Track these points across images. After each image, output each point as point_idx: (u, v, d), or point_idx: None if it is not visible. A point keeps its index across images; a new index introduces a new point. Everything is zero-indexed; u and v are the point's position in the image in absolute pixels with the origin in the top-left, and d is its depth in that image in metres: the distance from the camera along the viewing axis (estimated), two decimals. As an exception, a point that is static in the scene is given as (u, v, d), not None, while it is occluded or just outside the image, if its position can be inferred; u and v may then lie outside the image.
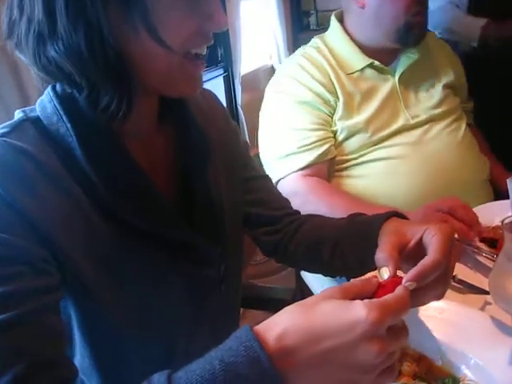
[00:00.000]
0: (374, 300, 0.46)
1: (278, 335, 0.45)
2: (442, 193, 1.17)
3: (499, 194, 1.31)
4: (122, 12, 0.52)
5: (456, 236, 0.86)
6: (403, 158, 1.27)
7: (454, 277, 0.89)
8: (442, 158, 1.29)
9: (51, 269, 0.53)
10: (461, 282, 0.88)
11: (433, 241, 0.59)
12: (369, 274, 0.76)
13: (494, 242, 0.95)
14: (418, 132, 1.30)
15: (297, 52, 1.40)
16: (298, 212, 0.92)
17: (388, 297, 0.47)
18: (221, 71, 2.89)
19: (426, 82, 1.37)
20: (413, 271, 0.55)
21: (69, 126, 0.57)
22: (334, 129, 1.28)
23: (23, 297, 0.49)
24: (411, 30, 1.26)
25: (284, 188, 1.29)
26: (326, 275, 0.87)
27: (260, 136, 1.39)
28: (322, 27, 4.56)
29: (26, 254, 0.51)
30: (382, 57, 1.33)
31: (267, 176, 0.92)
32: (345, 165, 1.31)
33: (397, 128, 1.29)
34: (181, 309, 0.67)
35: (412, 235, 0.64)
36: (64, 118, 0.57)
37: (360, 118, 1.27)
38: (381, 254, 0.61)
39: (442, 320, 0.74)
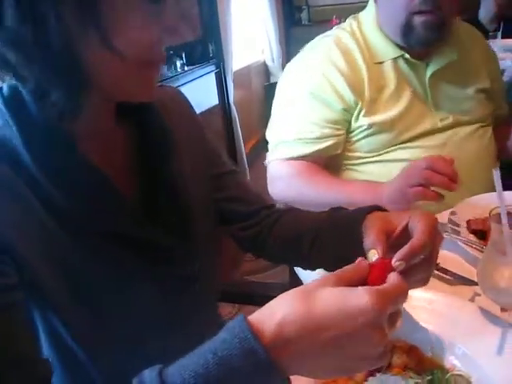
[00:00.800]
0: (374, 288, 0.45)
1: (277, 325, 0.44)
2: (455, 200, 1.09)
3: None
4: (75, 13, 0.50)
5: (440, 192, 0.85)
6: None
7: (437, 265, 0.89)
8: (463, 165, 1.18)
9: (9, 270, 0.52)
10: (450, 273, 0.89)
11: (419, 225, 0.60)
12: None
13: (483, 234, 0.96)
14: (443, 136, 1.23)
15: (330, 33, 1.28)
16: (274, 205, 0.91)
17: (387, 285, 0.47)
18: (212, 67, 2.89)
19: (458, 84, 1.27)
20: (402, 251, 0.56)
21: (14, 128, 0.55)
22: (356, 125, 1.21)
23: None
24: (413, 31, 1.15)
25: (270, 171, 1.29)
26: (305, 269, 0.86)
27: (271, 116, 1.34)
28: (314, 22, 4.58)
29: None
30: (413, 51, 1.21)
31: (238, 171, 0.91)
32: (360, 161, 1.25)
33: (423, 131, 1.22)
34: (152, 309, 0.65)
35: (397, 222, 0.64)
36: (10, 120, 0.55)
37: (387, 116, 1.20)
38: (368, 238, 0.63)
39: (432, 311, 0.75)
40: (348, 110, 1.20)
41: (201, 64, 2.74)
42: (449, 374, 0.66)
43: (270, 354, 0.43)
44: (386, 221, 0.66)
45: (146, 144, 0.68)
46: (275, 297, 1.16)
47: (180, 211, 0.69)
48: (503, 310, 0.72)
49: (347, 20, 1.32)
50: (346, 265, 0.81)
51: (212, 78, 2.92)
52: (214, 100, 2.99)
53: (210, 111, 2.86)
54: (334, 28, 1.32)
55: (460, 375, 0.66)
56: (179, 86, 2.56)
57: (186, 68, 2.82)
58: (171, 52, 2.85)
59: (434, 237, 0.60)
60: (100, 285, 0.59)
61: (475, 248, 0.92)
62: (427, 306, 0.75)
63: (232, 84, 3.02)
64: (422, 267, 0.59)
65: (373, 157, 1.24)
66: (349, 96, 1.19)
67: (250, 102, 3.62)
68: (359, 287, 0.45)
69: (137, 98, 0.61)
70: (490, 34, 2.98)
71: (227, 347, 0.43)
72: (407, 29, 1.15)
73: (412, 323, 0.73)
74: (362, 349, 0.45)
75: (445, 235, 0.98)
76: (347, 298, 0.44)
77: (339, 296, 0.45)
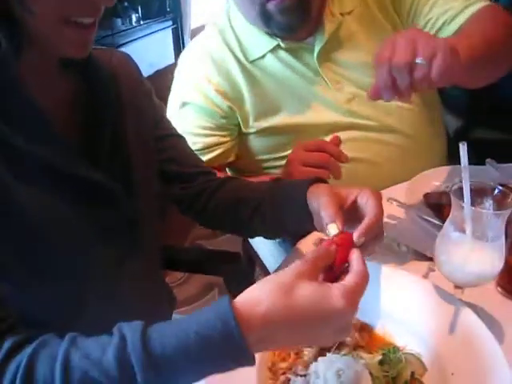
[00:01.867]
0: (348, 289, 0.51)
1: (262, 319, 0.47)
2: (408, 175, 1.04)
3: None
4: None
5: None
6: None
7: (398, 244, 0.88)
8: (402, 139, 1.10)
9: None
10: (406, 247, 0.87)
11: (370, 203, 0.67)
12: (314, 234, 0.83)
13: (439, 208, 0.94)
14: (358, 118, 1.08)
15: (199, 38, 1.17)
16: (215, 172, 0.94)
17: (356, 278, 0.52)
18: (169, 23, 2.75)
19: (358, 52, 1.08)
20: (361, 228, 0.62)
21: None
22: (248, 131, 1.11)
23: None
24: (272, 18, 1.01)
25: None
26: (242, 236, 0.92)
27: None
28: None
29: None
30: (289, 36, 1.06)
31: (180, 135, 0.92)
32: (269, 164, 1.13)
33: (333, 121, 1.08)
34: (91, 251, 0.67)
35: (346, 196, 0.70)
36: None
37: (280, 116, 1.08)
38: (326, 212, 0.67)
39: (385, 287, 0.72)
40: (229, 118, 1.10)
41: (156, 19, 2.60)
42: (400, 353, 0.64)
43: (248, 348, 0.46)
44: (336, 194, 0.70)
45: (91, 98, 0.71)
46: (226, 266, 1.14)
47: (120, 158, 0.72)
48: (457, 287, 0.70)
49: (219, 16, 1.17)
50: (284, 234, 0.92)
51: (169, 34, 2.78)
52: (171, 59, 2.85)
53: (165, 70, 2.74)
54: (208, 24, 1.19)
55: (411, 354, 0.65)
56: (134, 40, 2.43)
57: (141, 22, 2.68)
58: (126, 4, 2.71)
59: (382, 213, 0.68)
60: (40, 221, 0.60)
61: (431, 223, 0.91)
62: (380, 283, 0.72)
63: (190, 42, 2.89)
64: (373, 241, 0.66)
65: (281, 158, 1.09)
66: (225, 106, 1.09)
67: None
68: (335, 288, 0.50)
69: (68, 53, 0.63)
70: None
71: (209, 327, 0.46)
72: (266, 17, 1.01)
73: (364, 300, 0.70)
74: (333, 335, 0.53)
75: (401, 209, 0.96)
76: (325, 299, 0.49)
77: (318, 297, 0.49)
